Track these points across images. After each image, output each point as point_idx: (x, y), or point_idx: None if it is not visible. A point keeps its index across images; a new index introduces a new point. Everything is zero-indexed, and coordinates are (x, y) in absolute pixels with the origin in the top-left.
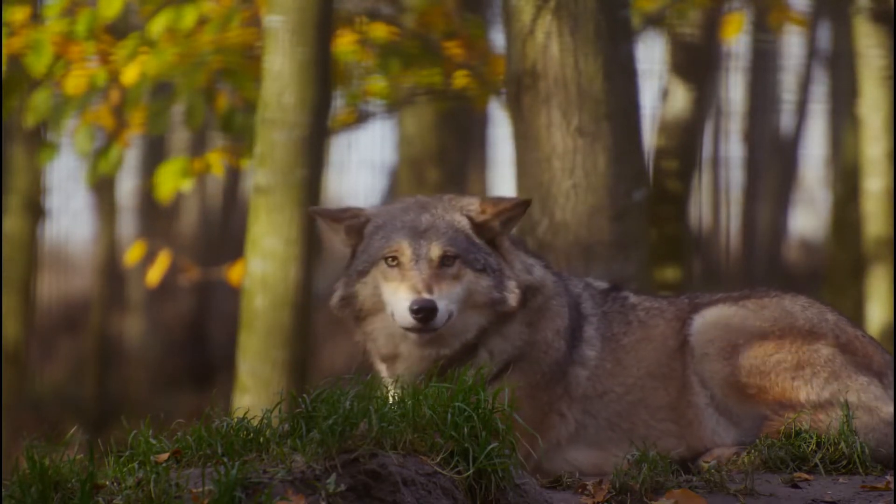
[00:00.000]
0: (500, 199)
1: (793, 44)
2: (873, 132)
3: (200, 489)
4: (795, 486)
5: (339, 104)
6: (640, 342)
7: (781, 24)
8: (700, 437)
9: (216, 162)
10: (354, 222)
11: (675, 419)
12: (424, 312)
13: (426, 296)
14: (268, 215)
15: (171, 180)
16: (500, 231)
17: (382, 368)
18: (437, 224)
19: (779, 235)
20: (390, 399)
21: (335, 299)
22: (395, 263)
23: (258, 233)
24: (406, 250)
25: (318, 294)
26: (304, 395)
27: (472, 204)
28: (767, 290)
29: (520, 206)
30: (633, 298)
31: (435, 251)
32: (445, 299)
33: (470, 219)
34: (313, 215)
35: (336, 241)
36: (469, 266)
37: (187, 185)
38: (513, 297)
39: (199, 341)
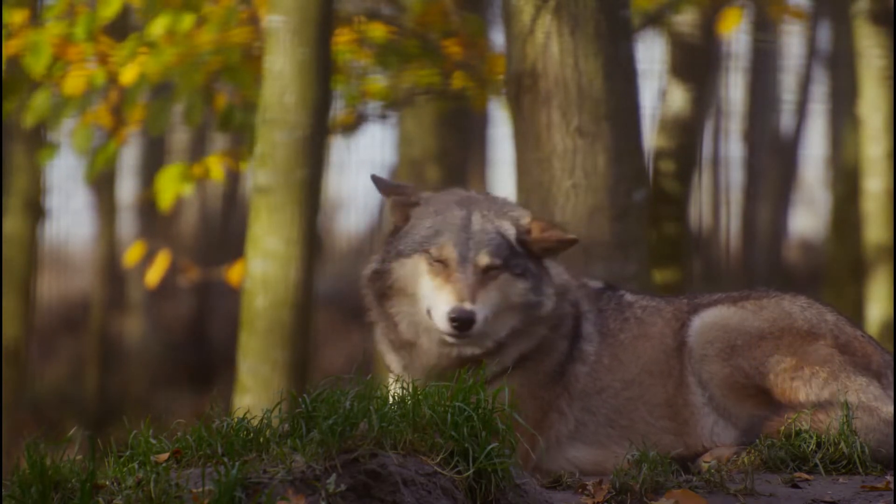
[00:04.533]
0: (549, 227)
1: (793, 44)
2: (873, 132)
3: (200, 489)
4: (795, 486)
5: (338, 104)
6: (638, 339)
7: (780, 18)
8: (697, 436)
9: (216, 166)
10: (401, 199)
11: (672, 417)
12: (461, 322)
13: (467, 306)
14: (268, 215)
15: (172, 187)
16: (538, 254)
17: (392, 360)
18: (487, 228)
19: (779, 235)
20: (390, 399)
21: (369, 271)
22: (440, 261)
23: (259, 233)
24: (453, 253)
25: (318, 294)
26: (304, 395)
27: (524, 218)
28: (766, 291)
29: (565, 244)
30: (629, 297)
31: (482, 259)
32: (486, 308)
33: (517, 230)
34: (372, 180)
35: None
36: (509, 270)
37: (188, 191)
38: (549, 302)
39: (199, 341)
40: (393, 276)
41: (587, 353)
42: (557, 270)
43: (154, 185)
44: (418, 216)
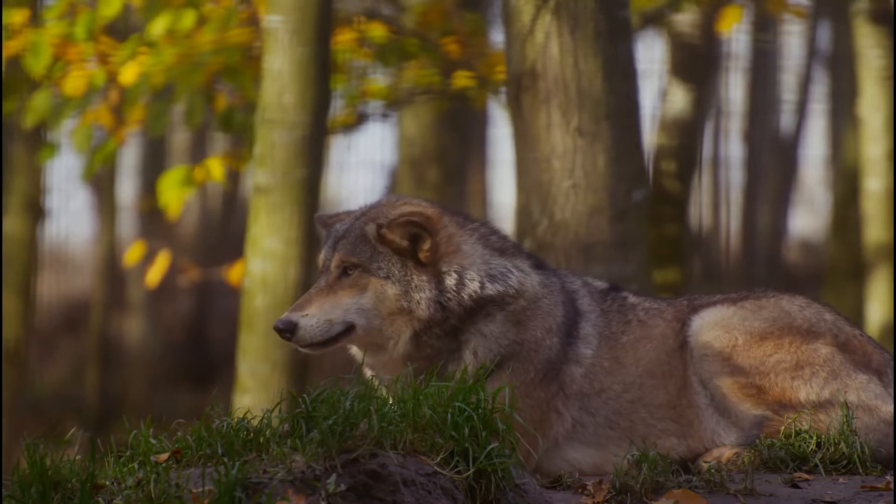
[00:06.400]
0: (397, 218)
1: (793, 44)
2: (873, 132)
3: (200, 489)
4: (795, 486)
5: (338, 104)
6: (640, 341)
7: (780, 15)
8: (700, 437)
9: (217, 168)
10: (324, 230)
11: (675, 418)
12: (280, 332)
13: (292, 316)
14: (268, 215)
15: (176, 192)
16: (408, 247)
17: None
18: (351, 232)
19: (779, 235)
20: (390, 399)
21: None
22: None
23: (258, 233)
24: (321, 263)
25: None
26: (304, 395)
27: (392, 215)
28: (765, 291)
29: (408, 225)
30: (632, 299)
31: (335, 260)
32: (326, 314)
33: (378, 227)
34: (315, 220)
35: None
36: (373, 274)
37: (190, 194)
38: (419, 308)
39: (199, 341)
40: None
41: (583, 355)
42: (502, 269)
43: (156, 190)
44: None
